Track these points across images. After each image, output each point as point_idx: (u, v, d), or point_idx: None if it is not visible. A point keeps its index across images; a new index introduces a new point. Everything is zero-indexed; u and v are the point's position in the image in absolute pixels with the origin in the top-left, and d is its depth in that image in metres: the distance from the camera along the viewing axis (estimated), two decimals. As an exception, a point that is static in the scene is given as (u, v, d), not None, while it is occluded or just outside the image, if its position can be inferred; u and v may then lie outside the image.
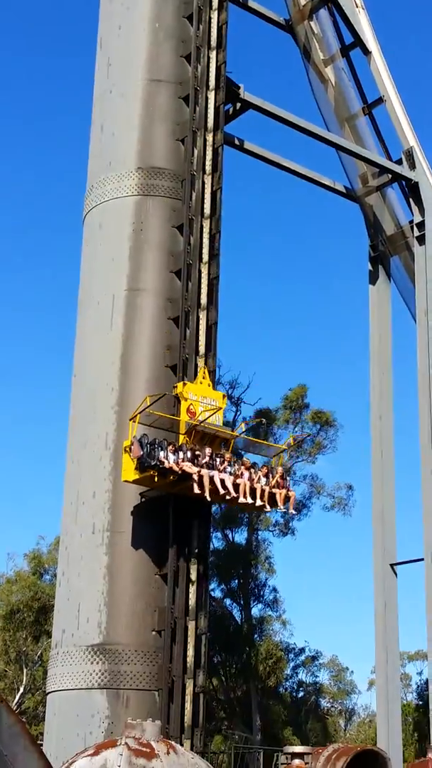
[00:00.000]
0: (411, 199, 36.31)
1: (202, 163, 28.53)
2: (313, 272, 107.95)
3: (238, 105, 32.33)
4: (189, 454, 23.91)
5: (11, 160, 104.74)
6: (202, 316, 27.26)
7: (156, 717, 20.01)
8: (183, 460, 23.61)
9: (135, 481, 24.17)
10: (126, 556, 25.06)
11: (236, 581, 52.32)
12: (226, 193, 29.85)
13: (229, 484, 24.19)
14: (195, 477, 23.55)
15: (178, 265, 27.44)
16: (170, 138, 28.90)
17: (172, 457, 23.54)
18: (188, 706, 23.73)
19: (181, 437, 24.86)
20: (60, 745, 23.70)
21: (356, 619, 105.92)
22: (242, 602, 52.24)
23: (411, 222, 36.32)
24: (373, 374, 36.54)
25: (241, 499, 24.54)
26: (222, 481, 24.08)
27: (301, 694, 60.04)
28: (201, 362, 26.64)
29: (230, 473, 24.45)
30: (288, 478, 26.37)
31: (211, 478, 23.82)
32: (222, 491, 24.20)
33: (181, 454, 23.74)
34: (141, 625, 24.46)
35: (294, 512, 26.52)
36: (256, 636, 52.64)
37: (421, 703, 58.60)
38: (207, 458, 24.17)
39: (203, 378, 26.09)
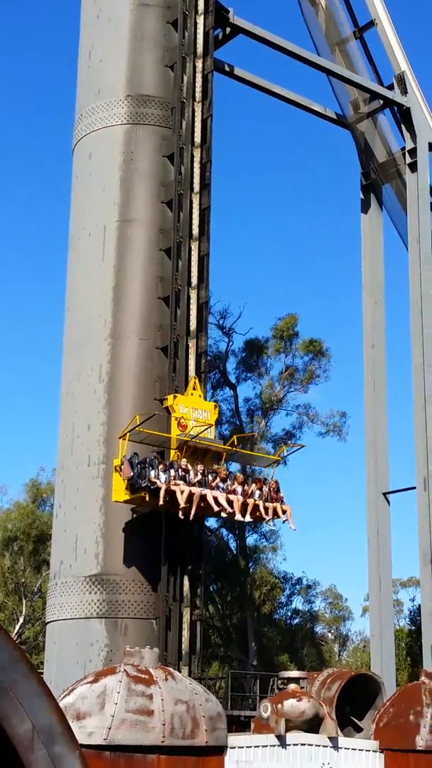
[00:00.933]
0: (403, 126, 35.86)
1: (191, 90, 28.07)
2: (305, 201, 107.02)
3: (228, 30, 31.73)
4: (180, 471, 23.17)
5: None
6: (194, 247, 27.04)
7: (154, 645, 20.30)
8: (174, 479, 22.88)
9: (126, 501, 23.61)
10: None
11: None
12: (216, 122, 29.45)
13: (222, 501, 23.47)
14: (185, 498, 22.78)
15: (169, 195, 27.15)
16: (159, 64, 28.40)
17: (163, 476, 22.82)
18: (185, 633, 24.06)
19: (173, 453, 24.11)
20: (60, 673, 24.07)
21: (350, 547, 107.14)
22: (237, 532, 52.71)
23: (403, 149, 35.92)
24: (365, 303, 36.43)
25: (238, 516, 23.94)
26: (215, 499, 23.38)
27: (296, 621, 60.90)
28: (193, 294, 26.35)
29: (223, 489, 23.70)
30: (281, 491, 25.38)
31: (204, 497, 23.16)
32: (216, 508, 23.51)
33: (172, 472, 22.99)
34: (138, 556, 24.64)
35: (293, 527, 25.51)
36: (251, 565, 53.24)
37: (413, 628, 59.53)
38: (199, 475, 23.47)
39: (193, 389, 25.28)
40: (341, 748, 13.89)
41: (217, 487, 23.63)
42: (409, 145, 35.33)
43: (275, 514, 24.66)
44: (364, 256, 36.79)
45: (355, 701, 16.89)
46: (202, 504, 23.06)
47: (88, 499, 25.44)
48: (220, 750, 12.17)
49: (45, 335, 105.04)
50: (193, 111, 27.96)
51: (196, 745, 11.75)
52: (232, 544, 53.38)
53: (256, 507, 24.18)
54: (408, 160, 35.30)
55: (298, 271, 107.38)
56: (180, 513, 22.87)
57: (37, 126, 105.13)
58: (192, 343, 26.35)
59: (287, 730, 13.56)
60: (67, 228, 29.25)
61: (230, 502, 23.62)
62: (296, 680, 16.04)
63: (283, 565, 65.98)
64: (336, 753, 13.78)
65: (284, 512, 24.87)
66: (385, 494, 34.34)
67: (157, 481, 22.66)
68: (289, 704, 13.88)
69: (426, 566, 31.40)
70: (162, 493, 22.52)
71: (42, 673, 23.09)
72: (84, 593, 24.61)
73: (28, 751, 5.08)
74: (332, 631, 76.73)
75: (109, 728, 11.43)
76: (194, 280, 26.75)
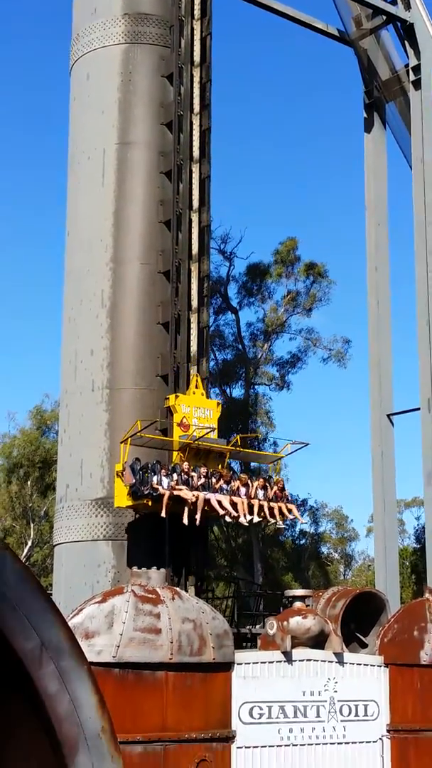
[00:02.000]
0: (406, 42, 35.11)
1: (190, 8, 27.49)
2: (307, 121, 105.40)
3: None
4: (183, 476, 22.69)
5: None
6: (195, 169, 26.75)
7: (161, 565, 20.57)
8: (177, 483, 22.42)
9: (129, 507, 23.32)
10: (126, 412, 25.28)
11: (234, 436, 52.98)
12: (216, 41, 28.90)
13: (226, 504, 22.93)
14: (189, 502, 22.40)
15: (169, 116, 26.77)
16: (156, -19, 27.78)
17: (165, 481, 22.37)
18: (192, 551, 24.37)
19: (175, 455, 23.71)
20: (69, 594, 24.45)
21: (355, 469, 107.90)
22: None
23: (406, 66, 35.23)
24: (368, 224, 36.11)
25: (242, 519, 23.26)
26: (219, 502, 22.82)
27: (302, 542, 61.60)
28: (195, 217, 26.08)
29: (226, 491, 23.16)
30: (287, 489, 24.84)
31: (208, 501, 22.65)
32: (221, 512, 23.03)
33: (174, 476, 22.55)
34: (143, 478, 24.86)
35: (303, 521, 24.81)
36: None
37: (418, 546, 60.21)
38: (202, 478, 22.98)
39: (195, 387, 24.81)
40: (346, 663, 14.14)
41: (221, 490, 23.08)
42: (413, 62, 34.65)
43: (281, 514, 24.03)
44: (367, 177, 36.36)
45: (360, 618, 17.16)
46: (206, 507, 22.59)
47: (92, 423, 25.57)
48: (227, 666, 12.41)
49: (46, 261, 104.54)
50: (192, 29, 27.42)
51: (203, 661, 11.97)
52: (236, 467, 53.77)
53: (261, 507, 23.54)
54: (412, 77, 34.62)
55: (300, 193, 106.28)
56: (184, 518, 22.48)
57: (34, 48, 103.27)
58: (194, 267, 26.23)
59: (293, 646, 13.79)
60: (66, 152, 28.92)
61: (234, 505, 23.07)
62: (302, 598, 16.27)
63: (289, 487, 66.47)
64: (341, 668, 14.04)
65: (290, 511, 24.24)
66: (389, 416, 34.44)
67: (160, 487, 22.16)
68: (295, 621, 14.09)
69: (430, 486, 31.63)
70: (165, 499, 22.07)
71: (51, 595, 23.45)
72: (90, 516, 24.88)
73: (36, 667, 5.17)
74: (338, 551, 77.67)
75: (118, 646, 11.63)
76: (195, 204, 26.52)
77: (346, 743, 13.27)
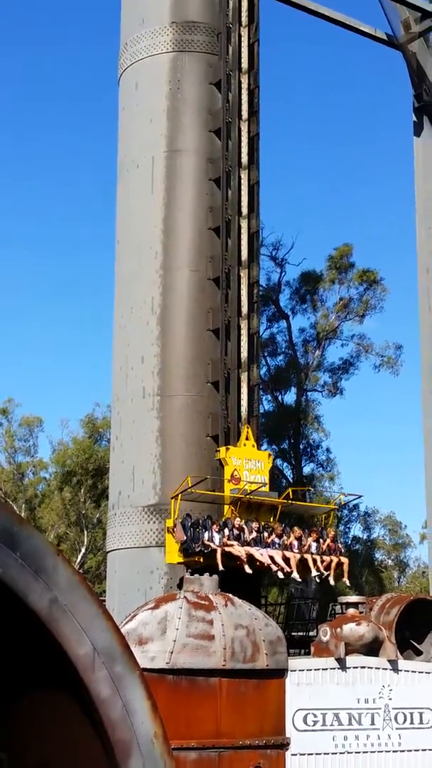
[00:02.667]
0: (456, 44, 34.89)
1: (237, 15, 27.54)
2: (357, 126, 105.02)
3: None
4: (234, 531, 22.08)
5: (41, 25, 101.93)
6: (244, 175, 26.77)
7: (213, 572, 20.57)
8: (228, 539, 21.83)
9: (180, 563, 22.68)
10: (177, 418, 25.34)
11: (286, 442, 52.92)
12: (263, 47, 28.92)
13: (279, 560, 22.20)
14: (242, 558, 21.67)
15: (217, 123, 26.81)
16: (204, -11, 27.86)
17: (216, 537, 21.79)
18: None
19: (226, 508, 23.31)
20: (122, 600, 24.53)
21: (408, 477, 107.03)
22: (293, 462, 52.94)
23: (456, 68, 34.99)
24: (419, 227, 35.87)
25: (295, 575, 22.58)
26: (272, 558, 22.15)
27: (355, 548, 61.28)
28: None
29: (279, 545, 22.48)
30: (339, 540, 24.26)
31: (261, 556, 21.95)
32: (274, 568, 22.28)
33: (226, 531, 21.96)
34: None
35: (347, 581, 24.13)
36: (308, 494, 53.53)
37: (473, 553, 59.58)
38: (254, 533, 22.36)
39: (246, 439, 24.48)
40: (401, 670, 14.01)
41: (273, 544, 22.47)
42: (463, 64, 34.41)
43: (335, 568, 23.29)
44: (417, 180, 36.13)
45: (414, 626, 17.00)
46: (257, 563, 22.06)
47: (143, 430, 25.65)
48: (280, 673, 12.36)
49: (97, 269, 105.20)
50: (240, 36, 27.46)
51: (257, 668, 11.93)
52: (288, 473, 53.65)
53: (314, 561, 22.91)
54: (461, 79, 34.39)
55: (350, 198, 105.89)
56: (246, 568, 21.85)
57: (83, 57, 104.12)
58: (244, 273, 26.24)
59: (347, 653, 13.70)
60: (115, 161, 29.10)
61: (287, 560, 22.37)
62: (355, 605, 16.17)
63: (339, 490, 66.18)
64: (396, 675, 13.92)
65: (341, 564, 23.50)
66: (441, 421, 34.12)
67: (211, 544, 21.66)
68: (348, 628, 14.00)
69: None
70: (218, 556, 21.51)
71: (104, 601, 23.54)
72: (143, 523, 24.95)
73: (88, 672, 5.17)
74: (391, 557, 77.13)
75: (171, 652, 11.63)
76: (244, 210, 26.53)
77: (401, 751, 13.14)
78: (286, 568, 22.33)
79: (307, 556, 22.81)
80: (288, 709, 12.40)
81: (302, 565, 22.71)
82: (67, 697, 5.51)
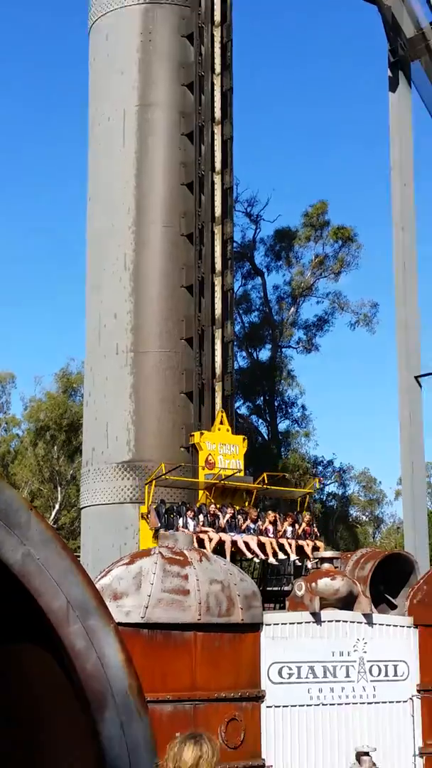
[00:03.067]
0: (431, -3, 34.53)
1: (210, -35, 27.10)
2: (332, 83, 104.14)
3: None
4: (209, 517, 21.90)
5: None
6: (217, 130, 26.51)
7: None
8: (203, 525, 21.73)
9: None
10: (151, 375, 25.26)
11: (261, 398, 52.96)
12: (236, 1, 28.49)
13: (253, 545, 22.00)
14: (213, 544, 21.37)
15: (189, 77, 26.48)
16: None
17: (191, 523, 21.67)
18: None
19: (201, 493, 23.25)
20: (96, 556, 24.58)
21: (383, 432, 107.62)
22: (268, 419, 53.00)
23: (431, 23, 34.64)
24: (393, 185, 35.71)
25: (271, 560, 22.33)
26: (246, 544, 21.87)
27: (330, 504, 61.62)
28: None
29: (254, 530, 22.27)
30: (315, 524, 24.00)
31: (235, 543, 21.80)
32: (248, 555, 22.15)
33: (201, 517, 21.85)
34: (169, 442, 24.90)
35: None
36: (283, 450, 53.66)
37: (446, 509, 60.12)
38: (228, 517, 22.09)
39: (221, 424, 24.36)
40: (375, 624, 14.11)
41: (248, 529, 22.28)
42: (438, 18, 34.08)
43: (312, 551, 22.88)
44: (392, 136, 35.89)
45: (389, 580, 17.12)
46: (233, 549, 21.81)
47: (117, 387, 25.56)
48: (255, 627, 12.40)
49: (70, 225, 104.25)
50: (212, -13, 27.05)
51: (231, 622, 11.96)
52: (263, 430, 53.76)
53: (290, 545, 22.66)
54: (436, 33, 34.07)
55: (325, 156, 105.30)
56: (228, 558, 21.22)
57: (51, 8, 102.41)
58: (218, 230, 26.07)
59: (322, 607, 13.77)
60: (86, 114, 28.70)
61: (262, 546, 22.18)
62: (330, 560, 16.24)
63: (316, 450, 66.39)
64: (370, 629, 14.01)
65: (317, 549, 23.04)
66: (417, 377, 34.23)
67: (185, 531, 21.19)
68: (324, 583, 14.06)
69: (457, 447, 31.46)
70: (194, 542, 21.60)
71: (78, 557, 23.56)
72: (117, 479, 24.95)
73: (63, 626, 5.16)
74: (366, 514, 77.73)
75: (146, 607, 11.62)
76: (218, 165, 26.30)
77: (376, 703, 13.27)
78: (261, 555, 22.22)
79: (283, 541, 22.61)
80: (263, 662, 12.47)
81: (279, 549, 22.52)
82: (41, 650, 5.49)
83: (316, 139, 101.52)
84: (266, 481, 25.06)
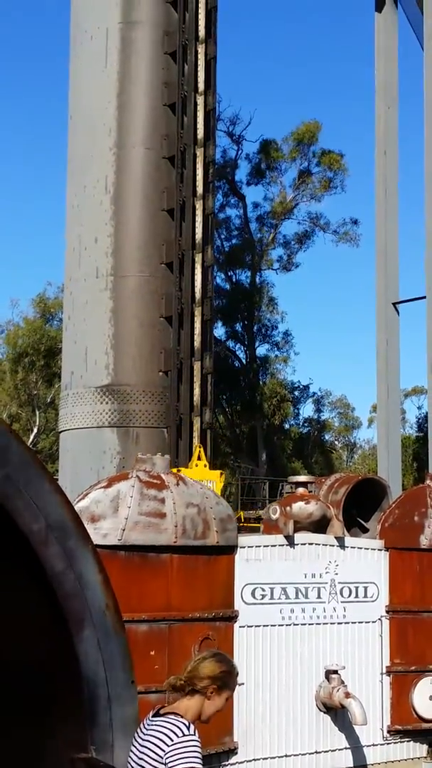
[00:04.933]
0: None
1: None
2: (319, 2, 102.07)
3: None
4: None
5: None
6: (201, 50, 26.11)
7: (165, 453, 20.82)
8: None
9: None
10: (130, 299, 25.22)
11: (240, 324, 52.93)
12: None
13: None
14: None
15: (173, -6, 25.97)
16: None
17: None
18: (196, 442, 24.63)
19: None
20: (74, 479, 24.80)
21: (360, 357, 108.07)
22: (247, 343, 53.07)
23: None
24: (378, 107, 35.37)
25: None
26: None
27: (305, 430, 62.15)
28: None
29: None
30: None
31: None
32: None
33: None
34: (148, 366, 24.99)
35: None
36: (261, 375, 53.87)
37: (420, 434, 60.78)
38: None
39: (198, 459, 24.18)
40: (347, 547, 14.37)
41: None
42: None
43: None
44: (378, 58, 35.45)
45: (361, 505, 17.38)
46: None
47: (97, 311, 25.52)
48: (230, 549, 12.62)
49: (49, 146, 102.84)
50: None
51: (207, 544, 12.17)
52: (241, 355, 53.88)
53: None
54: None
55: (310, 76, 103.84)
56: None
57: None
58: (199, 152, 25.84)
59: (295, 531, 14.01)
60: (68, 30, 28.14)
61: None
62: (304, 484, 16.45)
63: (293, 376, 66.67)
64: (342, 551, 14.28)
65: None
66: (394, 304, 34.33)
67: None
68: (298, 506, 14.28)
69: (434, 375, 31.70)
70: None
71: (57, 481, 23.78)
72: (96, 403, 25.07)
73: (42, 547, 5.27)
74: (341, 439, 78.45)
75: (123, 529, 11.81)
76: (201, 86, 25.96)
77: (346, 623, 13.59)
78: None
79: None
80: (237, 584, 12.73)
81: None
82: (19, 571, 5.62)
83: (301, 58, 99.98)
84: (242, 519, 25.03)
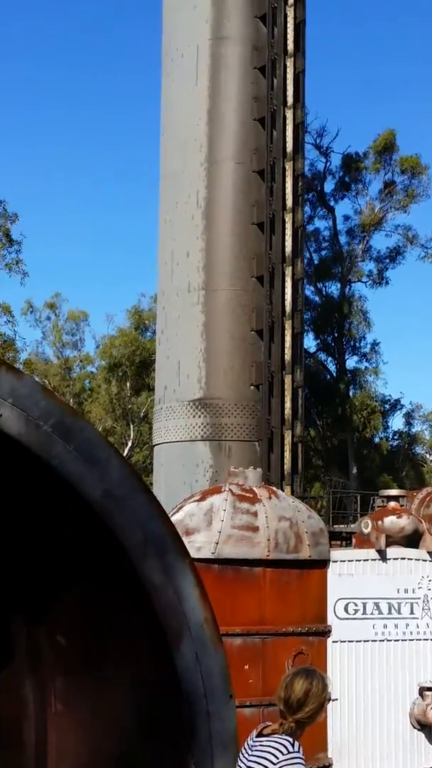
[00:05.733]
0: None
1: None
2: (401, 9, 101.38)
3: None
4: None
5: None
6: (290, 63, 26.17)
7: (257, 466, 20.87)
8: None
9: None
10: (222, 313, 25.37)
11: (331, 335, 52.70)
12: None
13: None
14: None
15: (262, 9, 26.11)
16: None
17: None
18: (287, 454, 24.62)
19: None
20: (168, 493, 24.99)
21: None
22: (337, 355, 52.79)
23: None
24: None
25: None
26: None
27: (396, 443, 61.46)
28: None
29: None
30: None
31: None
32: None
33: None
34: (239, 380, 25.09)
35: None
36: (351, 388, 53.53)
37: None
38: None
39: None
40: (441, 562, 14.22)
41: None
42: None
43: None
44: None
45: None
46: None
47: (189, 325, 25.72)
48: (322, 563, 12.62)
49: (142, 163, 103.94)
50: None
51: (299, 558, 12.19)
52: (332, 367, 53.65)
53: None
54: None
55: (398, 85, 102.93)
56: None
57: None
58: (289, 166, 25.88)
59: (387, 545, 13.93)
60: (159, 50, 28.51)
61: None
62: (396, 498, 16.36)
63: (385, 388, 66.02)
64: (436, 567, 14.13)
65: None
66: None
67: None
68: (389, 520, 14.21)
69: None
70: None
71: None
72: (188, 417, 25.24)
73: (141, 560, 5.36)
74: (432, 452, 77.39)
75: (217, 543, 11.90)
76: (290, 99, 26.02)
77: (440, 639, 13.45)
78: None
79: None
80: (329, 598, 12.72)
81: None
82: (118, 585, 5.72)
83: (387, 66, 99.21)
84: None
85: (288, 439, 24.66)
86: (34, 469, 5.10)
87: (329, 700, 5.15)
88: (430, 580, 13.74)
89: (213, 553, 11.71)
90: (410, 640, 13.13)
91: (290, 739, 4.95)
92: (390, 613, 13.12)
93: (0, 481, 5.45)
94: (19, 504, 5.71)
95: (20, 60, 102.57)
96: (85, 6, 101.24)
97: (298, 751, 4.93)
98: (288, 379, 24.95)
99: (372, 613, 12.96)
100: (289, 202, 25.75)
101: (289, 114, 25.94)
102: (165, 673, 5.53)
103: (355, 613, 12.80)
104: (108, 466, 5.25)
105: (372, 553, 13.51)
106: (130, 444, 56.19)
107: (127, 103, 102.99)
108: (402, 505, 16.22)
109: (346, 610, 12.74)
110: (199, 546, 11.70)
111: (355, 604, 12.87)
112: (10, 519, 5.76)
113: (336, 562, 12.83)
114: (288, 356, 24.98)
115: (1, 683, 6.37)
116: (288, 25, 26.24)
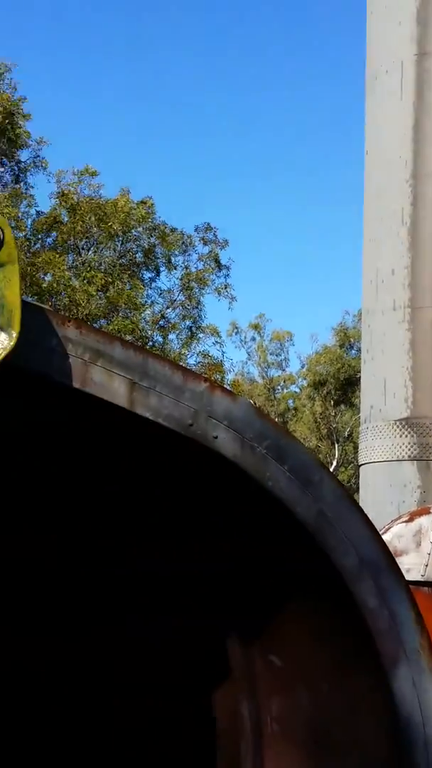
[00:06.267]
0: None
1: None
2: None
3: None
4: None
5: None
6: None
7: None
8: None
9: None
10: (428, 331, 24.92)
11: None
12: None
13: None
14: None
15: (469, 21, 25.66)
16: None
17: None
18: None
19: None
20: (375, 513, 24.68)
21: None
22: None
23: None
24: None
25: None
26: None
27: None
28: None
29: None
30: None
31: None
32: None
33: None
34: (447, 398, 24.58)
35: None
36: None
37: None
38: None
39: None
40: None
41: None
42: None
43: None
44: None
45: None
46: None
47: (395, 343, 25.38)
48: None
49: (346, 181, 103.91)
50: None
51: None
52: None
53: None
54: None
55: None
56: None
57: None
58: None
59: None
60: (363, 70, 28.49)
61: None
62: None
63: None
64: None
65: None
66: None
67: None
68: None
69: None
70: None
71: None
72: (395, 437, 24.88)
73: (355, 583, 5.30)
74: None
75: (426, 565, 11.65)
76: None
77: None
78: None
79: None
80: None
81: None
82: (332, 607, 5.68)
83: None
84: None
85: None
86: (249, 491, 5.15)
87: None
88: None
89: (422, 576, 11.47)
90: None
91: None
92: None
93: (217, 502, 5.53)
94: (233, 525, 5.78)
95: (226, 88, 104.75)
96: (287, 29, 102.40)
97: None
98: None
99: None
100: None
101: None
102: (378, 699, 5.44)
103: None
104: (321, 487, 5.24)
105: None
106: (335, 463, 56.04)
107: (328, 126, 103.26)
108: None
109: None
110: (407, 568, 11.49)
111: None
112: (226, 540, 5.83)
113: None
114: None
115: (218, 704, 6.44)
116: None
